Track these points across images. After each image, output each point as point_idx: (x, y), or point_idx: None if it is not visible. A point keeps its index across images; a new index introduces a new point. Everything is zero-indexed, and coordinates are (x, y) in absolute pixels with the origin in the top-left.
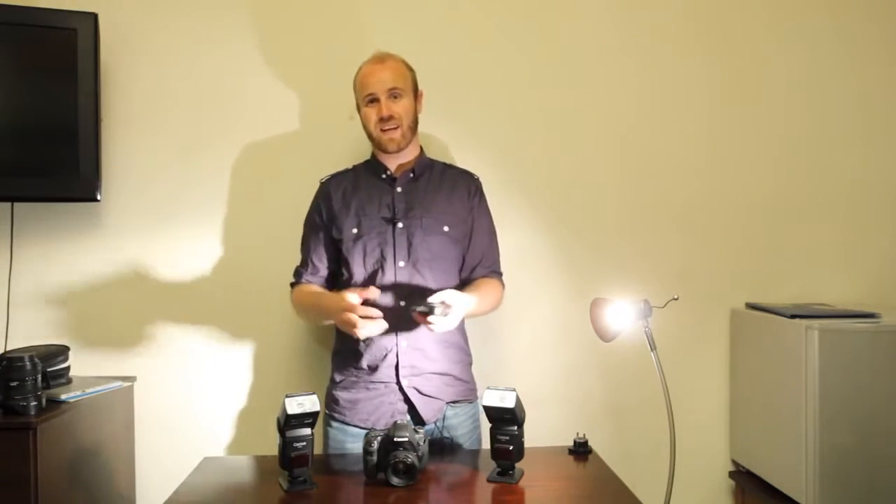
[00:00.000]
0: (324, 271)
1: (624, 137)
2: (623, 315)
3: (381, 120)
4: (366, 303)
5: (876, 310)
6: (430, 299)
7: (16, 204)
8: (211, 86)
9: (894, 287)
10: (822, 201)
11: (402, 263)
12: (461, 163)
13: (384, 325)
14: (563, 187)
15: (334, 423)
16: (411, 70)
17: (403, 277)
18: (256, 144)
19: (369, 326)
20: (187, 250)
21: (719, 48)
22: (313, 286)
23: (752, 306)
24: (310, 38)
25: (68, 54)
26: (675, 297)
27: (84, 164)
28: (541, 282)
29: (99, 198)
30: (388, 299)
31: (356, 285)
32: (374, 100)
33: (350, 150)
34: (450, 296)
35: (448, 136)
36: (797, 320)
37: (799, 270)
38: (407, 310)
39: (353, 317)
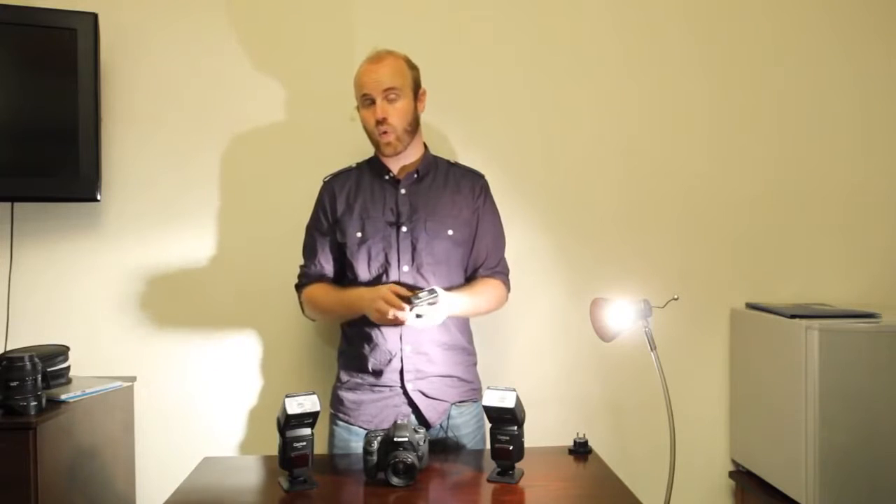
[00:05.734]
0: (331, 272)
1: (624, 137)
2: (623, 315)
3: (378, 122)
4: None
5: (876, 310)
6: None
7: (16, 204)
8: (211, 85)
9: (894, 287)
10: (822, 201)
11: (406, 268)
12: (462, 162)
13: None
14: (563, 187)
15: (339, 423)
16: (413, 68)
17: (407, 282)
18: (257, 144)
19: (402, 313)
20: (187, 250)
21: (720, 49)
22: (328, 286)
23: (752, 306)
24: (311, 37)
25: (68, 54)
26: (675, 297)
27: (84, 164)
28: (541, 282)
29: (99, 198)
30: None
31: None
32: (370, 101)
33: (353, 149)
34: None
35: (449, 135)
36: (797, 320)
37: (799, 270)
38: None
39: (391, 297)
